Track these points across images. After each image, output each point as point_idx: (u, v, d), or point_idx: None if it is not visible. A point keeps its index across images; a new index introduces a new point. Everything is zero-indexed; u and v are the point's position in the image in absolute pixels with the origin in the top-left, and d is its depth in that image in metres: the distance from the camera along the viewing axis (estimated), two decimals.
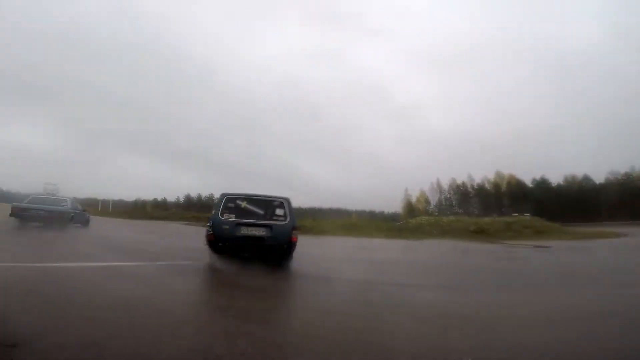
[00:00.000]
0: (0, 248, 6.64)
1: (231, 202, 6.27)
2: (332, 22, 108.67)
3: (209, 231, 6.04)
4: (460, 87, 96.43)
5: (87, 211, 15.80)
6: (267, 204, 6.36)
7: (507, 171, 69.99)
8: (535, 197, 62.66)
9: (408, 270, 8.02)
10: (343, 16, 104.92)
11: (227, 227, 6.00)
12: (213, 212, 6.34)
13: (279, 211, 6.30)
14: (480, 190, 71.35)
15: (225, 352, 2.23)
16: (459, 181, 72.05)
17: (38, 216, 11.79)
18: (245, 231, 6.02)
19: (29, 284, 3.74)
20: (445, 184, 72.55)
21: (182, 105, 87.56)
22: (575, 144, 77.93)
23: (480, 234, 24.42)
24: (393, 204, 74.08)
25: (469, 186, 72.12)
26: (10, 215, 11.67)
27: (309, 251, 11.55)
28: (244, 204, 6.31)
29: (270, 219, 6.21)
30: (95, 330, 2.42)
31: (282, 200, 6.44)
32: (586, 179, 63.59)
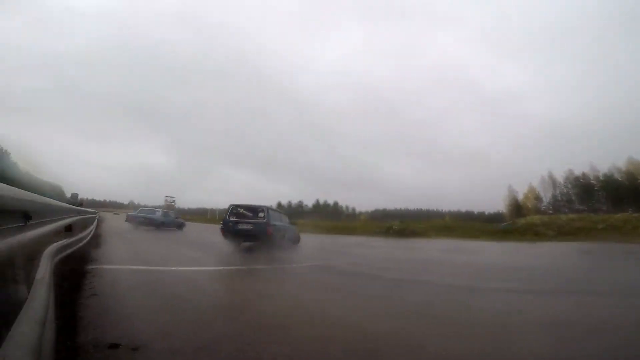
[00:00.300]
0: (111, 250, 7.88)
1: (234, 209, 9.95)
2: (399, 16, 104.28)
3: (221, 227, 9.89)
4: (566, 71, 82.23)
5: (180, 218, 21.38)
6: (254, 210, 9.87)
7: None
8: None
9: (525, 275, 6.80)
10: (411, 8, 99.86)
11: (231, 224, 9.72)
12: (224, 215, 10.30)
13: (260, 214, 9.75)
14: (608, 182, 58.85)
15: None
16: (577, 172, 59.97)
17: (139, 221, 17.64)
18: (240, 226, 9.64)
19: (142, 287, 4.21)
20: (559, 177, 60.86)
21: (266, 117, 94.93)
22: None
23: (612, 232, 20.71)
24: (495, 203, 66.29)
25: (591, 178, 59.73)
26: (126, 221, 18.40)
27: (402, 255, 10.97)
28: (241, 210, 9.89)
29: (255, 219, 9.67)
30: (204, 333, 2.50)
31: (263, 207, 9.95)
32: None
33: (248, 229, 9.49)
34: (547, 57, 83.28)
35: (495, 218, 51.82)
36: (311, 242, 17.98)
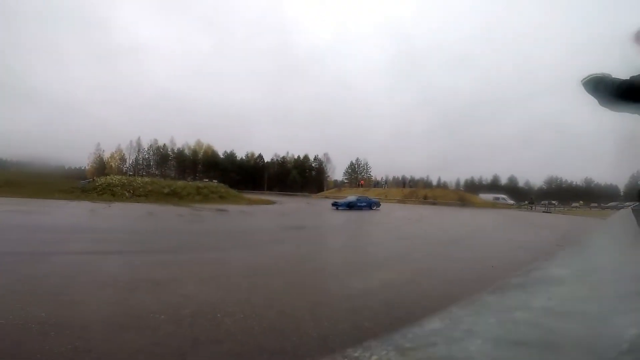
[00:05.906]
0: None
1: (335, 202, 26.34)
2: None
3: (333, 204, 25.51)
4: None
5: (372, 201, 26.80)
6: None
7: (206, 141, 73.54)
8: (224, 166, 67.53)
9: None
10: None
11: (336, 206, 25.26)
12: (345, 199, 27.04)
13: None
14: (180, 155, 69.42)
15: None
16: (160, 142, 69.60)
17: (339, 204, 24.87)
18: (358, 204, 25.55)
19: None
20: (146, 144, 68.99)
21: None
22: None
23: (173, 196, 23.55)
24: (80, 158, 64.35)
25: (169, 149, 69.82)
26: (332, 205, 24.93)
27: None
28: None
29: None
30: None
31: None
32: (260, 157, 75.64)
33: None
34: None
35: (79, 174, 49.87)
36: None
